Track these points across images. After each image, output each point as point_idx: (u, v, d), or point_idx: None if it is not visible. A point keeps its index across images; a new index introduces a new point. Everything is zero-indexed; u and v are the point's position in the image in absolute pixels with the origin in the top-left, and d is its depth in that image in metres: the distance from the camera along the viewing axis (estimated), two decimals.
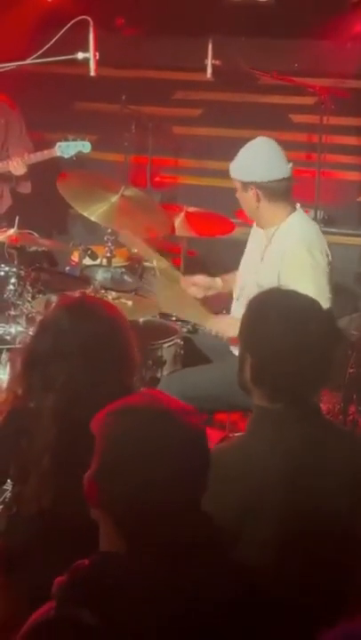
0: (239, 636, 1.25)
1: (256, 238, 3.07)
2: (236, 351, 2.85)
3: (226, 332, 2.96)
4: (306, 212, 4.62)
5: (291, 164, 2.91)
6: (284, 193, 2.90)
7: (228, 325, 2.92)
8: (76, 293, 2.35)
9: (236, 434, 3.11)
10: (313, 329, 1.77)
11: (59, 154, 4.31)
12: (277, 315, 1.78)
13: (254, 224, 3.09)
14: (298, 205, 2.97)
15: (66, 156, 4.31)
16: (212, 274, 4.38)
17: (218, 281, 3.28)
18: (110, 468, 1.29)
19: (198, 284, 3.25)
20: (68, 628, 1.20)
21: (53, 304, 2.01)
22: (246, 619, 1.27)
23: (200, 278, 3.29)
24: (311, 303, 1.83)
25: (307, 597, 1.64)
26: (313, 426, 1.78)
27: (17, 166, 4.31)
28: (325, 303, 2.62)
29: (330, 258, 2.88)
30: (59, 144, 4.32)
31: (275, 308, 1.81)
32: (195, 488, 1.30)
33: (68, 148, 4.29)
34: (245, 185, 2.88)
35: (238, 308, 3.00)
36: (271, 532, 1.67)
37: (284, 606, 1.36)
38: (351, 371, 3.81)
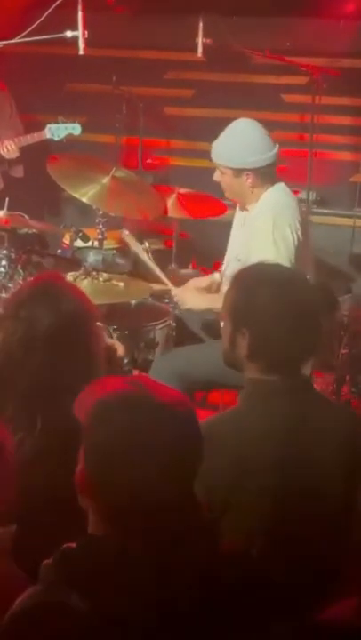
0: (228, 620, 1.25)
1: (240, 216, 3.08)
2: None
3: (184, 303, 3.01)
4: (297, 192, 4.62)
5: (277, 144, 2.91)
6: (273, 173, 2.91)
7: (190, 297, 3.01)
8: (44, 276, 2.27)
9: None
10: (304, 298, 1.79)
11: (49, 136, 4.28)
12: (268, 287, 1.79)
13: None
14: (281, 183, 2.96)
15: (56, 139, 4.28)
16: (204, 255, 4.38)
17: (216, 276, 3.24)
18: (100, 458, 1.27)
19: (199, 288, 3.18)
20: (56, 610, 1.19)
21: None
22: (236, 603, 1.27)
23: (197, 281, 3.22)
24: (301, 275, 1.84)
25: (298, 574, 1.65)
26: (305, 397, 1.79)
27: (10, 150, 4.27)
28: None
29: (299, 233, 2.84)
30: (49, 126, 4.28)
31: (264, 281, 1.82)
32: (186, 475, 1.29)
33: (58, 131, 4.27)
34: (239, 171, 2.86)
35: (224, 286, 3.02)
36: (263, 503, 1.68)
37: (274, 590, 1.37)
38: (344, 352, 3.82)
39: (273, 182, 2.92)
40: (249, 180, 2.86)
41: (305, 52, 4.65)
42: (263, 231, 2.80)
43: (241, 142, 2.86)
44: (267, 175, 2.88)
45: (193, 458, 1.30)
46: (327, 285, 1.90)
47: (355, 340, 3.89)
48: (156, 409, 1.27)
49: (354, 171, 4.81)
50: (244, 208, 3.02)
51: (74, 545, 1.27)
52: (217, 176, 2.94)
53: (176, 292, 3.08)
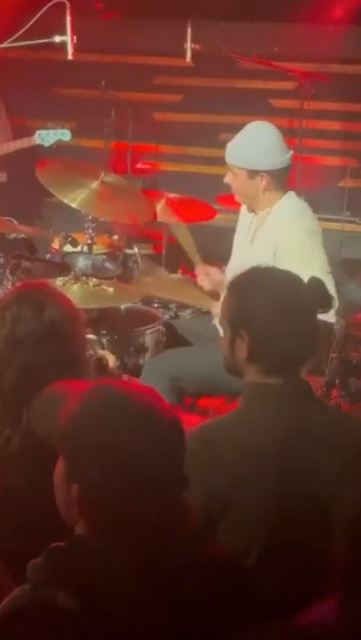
0: (217, 621, 1.25)
1: (245, 222, 3.06)
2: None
3: (205, 284, 3.03)
4: None
5: (291, 149, 2.94)
6: (286, 179, 2.92)
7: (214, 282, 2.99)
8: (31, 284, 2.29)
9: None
10: (304, 299, 1.79)
11: (39, 142, 4.28)
12: (267, 290, 1.80)
13: (242, 210, 3.08)
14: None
15: (46, 145, 4.28)
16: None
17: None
18: (82, 461, 1.27)
19: (211, 276, 3.12)
20: (44, 610, 1.19)
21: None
22: (225, 605, 1.27)
23: (216, 271, 3.19)
24: (294, 275, 1.85)
25: (293, 581, 1.64)
26: (305, 400, 1.79)
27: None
28: (329, 279, 2.69)
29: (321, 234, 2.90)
30: (39, 132, 4.28)
31: (263, 284, 1.82)
32: (170, 475, 1.28)
33: (48, 137, 4.26)
34: (254, 172, 2.85)
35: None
36: (263, 507, 1.67)
37: (262, 592, 1.37)
38: (334, 355, 3.82)
39: (285, 190, 2.92)
40: (263, 182, 2.85)
41: (293, 58, 4.68)
42: (299, 245, 2.80)
43: (257, 144, 2.86)
44: (280, 179, 2.88)
45: (176, 458, 1.30)
46: (322, 282, 1.91)
47: (344, 343, 3.90)
48: (137, 410, 1.28)
49: (342, 175, 4.83)
50: (252, 211, 3.00)
51: (62, 544, 1.27)
52: (229, 178, 2.92)
53: (213, 307, 3.01)
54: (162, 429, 1.27)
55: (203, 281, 3.11)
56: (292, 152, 2.92)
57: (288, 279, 1.85)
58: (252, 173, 2.85)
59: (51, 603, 1.18)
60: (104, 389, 1.34)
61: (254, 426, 1.73)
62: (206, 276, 3.12)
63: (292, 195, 2.95)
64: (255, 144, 2.86)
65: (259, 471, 1.67)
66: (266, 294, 1.78)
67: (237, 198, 3.02)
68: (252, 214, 3.00)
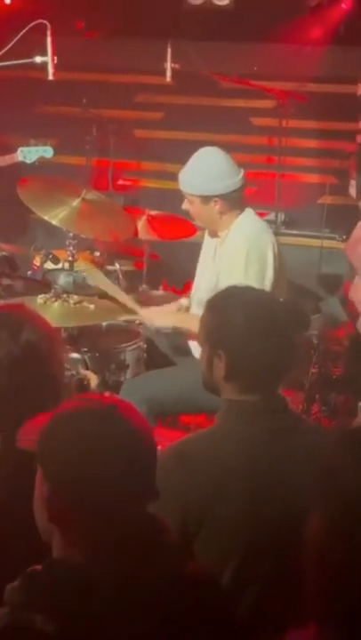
0: (196, 638, 1.26)
1: (209, 242, 3.10)
2: (195, 350, 2.89)
3: (152, 322, 3.07)
4: (266, 214, 4.67)
5: (242, 169, 2.95)
6: (241, 198, 2.94)
7: (157, 315, 3.05)
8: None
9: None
10: (276, 317, 1.82)
11: (21, 159, 4.30)
12: (245, 308, 1.82)
13: (206, 234, 3.12)
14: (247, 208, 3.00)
15: (28, 162, 4.30)
16: (175, 276, 4.40)
17: (183, 301, 3.25)
18: (56, 478, 1.29)
19: (158, 313, 3.16)
20: (21, 633, 1.19)
21: None
22: (202, 621, 1.28)
23: (156, 309, 3.20)
24: (267, 293, 1.87)
25: (269, 593, 1.65)
26: (282, 417, 1.81)
27: None
28: None
29: (273, 258, 2.88)
30: (21, 149, 4.30)
31: (237, 302, 1.85)
32: (142, 490, 1.30)
33: (30, 154, 4.28)
34: (207, 198, 2.89)
35: (193, 309, 3.09)
36: (238, 524, 1.69)
37: (238, 613, 1.37)
38: (314, 371, 3.85)
39: (242, 208, 2.95)
40: (217, 207, 2.89)
41: (272, 77, 4.74)
42: (236, 263, 2.83)
43: (207, 170, 2.89)
44: (235, 200, 2.91)
45: (149, 467, 1.32)
46: (298, 304, 1.94)
47: (324, 359, 3.94)
48: (103, 415, 1.30)
49: (321, 192, 4.89)
50: (215, 235, 3.04)
51: (39, 567, 1.27)
52: (185, 205, 2.98)
53: (143, 312, 3.10)
54: (128, 437, 1.29)
55: (153, 321, 3.10)
56: (242, 172, 2.93)
57: (265, 299, 1.89)
58: (206, 199, 2.89)
59: (28, 626, 1.19)
60: (72, 402, 1.38)
61: (229, 442, 1.75)
62: (153, 318, 3.10)
63: (248, 213, 2.97)
64: (204, 170, 2.89)
65: (232, 487, 1.69)
66: (242, 314, 1.81)
67: (197, 223, 3.07)
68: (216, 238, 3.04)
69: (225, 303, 1.87)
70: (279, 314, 1.84)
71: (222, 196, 2.87)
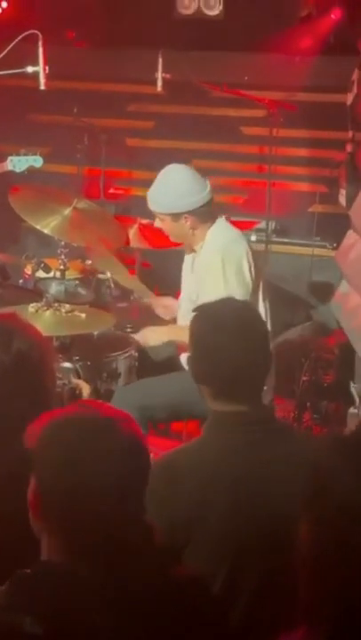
0: None
1: (188, 259, 3.16)
2: (184, 361, 2.91)
3: (147, 342, 3.10)
4: (257, 222, 4.70)
5: (208, 182, 2.97)
6: (211, 211, 2.98)
7: (150, 334, 3.07)
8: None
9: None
10: (253, 327, 1.88)
11: (10, 168, 4.29)
12: (214, 316, 1.89)
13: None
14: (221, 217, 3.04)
15: (17, 171, 4.30)
16: (166, 284, 4.41)
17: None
18: (49, 481, 1.30)
19: (168, 307, 3.27)
20: (9, 636, 1.20)
21: None
22: (191, 628, 1.28)
23: (170, 300, 3.31)
24: (242, 302, 1.93)
25: (259, 605, 1.66)
26: (267, 428, 1.83)
27: None
28: None
29: (248, 265, 2.92)
30: (10, 158, 4.30)
31: (211, 311, 1.92)
32: (134, 496, 1.31)
33: (19, 163, 4.28)
34: (177, 216, 2.92)
35: (179, 321, 3.13)
36: (225, 533, 1.70)
37: (227, 619, 1.38)
38: (305, 379, 3.87)
39: (213, 219, 2.99)
40: (188, 223, 2.93)
41: (262, 87, 4.77)
42: (213, 271, 2.87)
43: (173, 188, 2.92)
44: (205, 214, 2.94)
45: (141, 474, 1.33)
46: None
47: (315, 366, 3.95)
48: (101, 424, 1.32)
49: (312, 201, 4.91)
50: (191, 250, 3.08)
51: (28, 570, 1.28)
52: (157, 223, 3.02)
53: (137, 335, 3.14)
54: (117, 441, 1.31)
55: (162, 314, 3.18)
56: (209, 186, 2.96)
57: (245, 309, 1.98)
58: (176, 217, 2.93)
59: (16, 628, 1.19)
60: (67, 408, 1.40)
61: (213, 453, 1.77)
62: (163, 308, 3.19)
63: (220, 222, 3.01)
64: (171, 189, 2.93)
65: (217, 497, 1.71)
66: (224, 328, 1.85)
67: (172, 240, 3.11)
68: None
69: (204, 319, 1.93)
70: (255, 323, 1.89)
71: (192, 212, 2.91)
